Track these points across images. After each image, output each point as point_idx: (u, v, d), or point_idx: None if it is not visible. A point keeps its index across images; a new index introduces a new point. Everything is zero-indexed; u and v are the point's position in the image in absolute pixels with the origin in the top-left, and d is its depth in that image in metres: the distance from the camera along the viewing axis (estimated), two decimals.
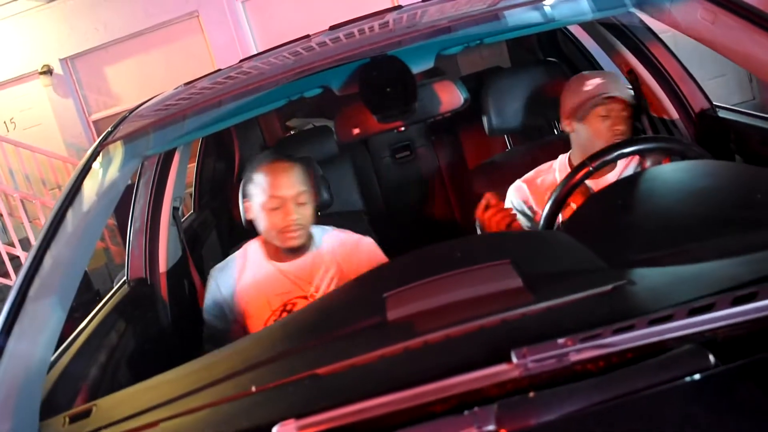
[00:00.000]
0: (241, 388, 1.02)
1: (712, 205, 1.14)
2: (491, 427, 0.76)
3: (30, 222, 6.04)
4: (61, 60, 7.26)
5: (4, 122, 7.32)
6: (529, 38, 3.14)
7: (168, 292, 2.10)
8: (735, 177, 1.21)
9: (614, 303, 0.94)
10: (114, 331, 1.81)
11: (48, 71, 7.24)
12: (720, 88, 1.98)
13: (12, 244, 5.88)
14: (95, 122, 7.38)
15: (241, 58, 2.01)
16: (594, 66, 2.74)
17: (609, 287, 0.96)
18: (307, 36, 1.78)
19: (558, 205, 1.52)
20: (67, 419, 1.15)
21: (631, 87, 2.07)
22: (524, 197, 2.00)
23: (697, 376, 0.76)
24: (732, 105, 1.94)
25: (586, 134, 1.92)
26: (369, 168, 3.28)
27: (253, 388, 0.99)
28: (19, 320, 1.28)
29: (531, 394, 0.79)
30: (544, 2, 1.47)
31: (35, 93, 7.31)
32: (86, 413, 1.15)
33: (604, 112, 1.91)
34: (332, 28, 1.74)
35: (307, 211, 1.89)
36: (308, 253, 1.98)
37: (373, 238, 2.13)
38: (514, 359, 0.83)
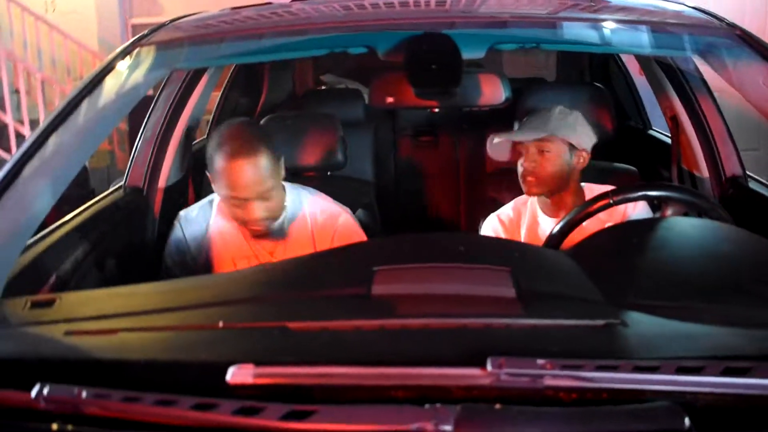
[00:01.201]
0: (209, 320, 1.00)
1: (725, 271, 1.11)
2: (448, 428, 0.73)
3: (45, 106, 6.00)
4: None
5: (45, 1, 7.24)
6: (581, 57, 3.09)
7: (161, 207, 2.07)
8: (754, 249, 1.18)
9: (603, 339, 0.91)
10: (97, 231, 1.78)
11: None
12: (749, 161, 1.95)
13: (22, 122, 5.85)
14: (134, 26, 7.30)
15: None
16: (636, 101, 2.70)
17: (602, 323, 0.93)
18: None
19: (570, 227, 1.49)
20: (29, 303, 1.13)
21: (669, 134, 2.03)
22: (495, 231, 1.95)
23: None
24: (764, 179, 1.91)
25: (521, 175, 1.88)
26: (389, 142, 3.24)
27: (221, 324, 0.96)
28: (7, 194, 1.26)
29: (497, 406, 0.76)
30: (608, 24, 1.43)
31: None
32: (49, 303, 1.12)
33: (519, 149, 1.87)
34: None
35: (274, 203, 1.73)
36: (279, 221, 1.82)
37: (375, 212, 2.10)
38: (489, 367, 0.80)
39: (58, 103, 5.02)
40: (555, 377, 0.80)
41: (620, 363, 0.80)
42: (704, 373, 0.79)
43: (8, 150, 5.77)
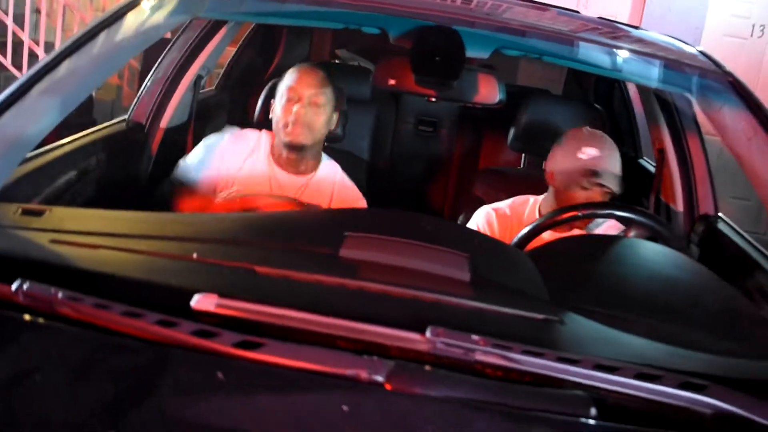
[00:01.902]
0: (184, 252, 1.08)
1: (665, 292, 1.19)
2: (380, 378, 0.81)
3: (63, 30, 6.02)
4: None
5: None
6: (589, 77, 3.17)
7: (159, 146, 2.14)
8: (697, 278, 1.26)
9: (537, 331, 1.00)
10: (95, 157, 1.85)
11: None
12: (739, 210, 2.02)
13: (37, 42, 5.88)
14: None
15: None
16: (632, 130, 2.78)
17: (541, 317, 1.02)
18: None
19: (536, 232, 1.57)
20: (20, 210, 1.20)
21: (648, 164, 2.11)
22: (489, 224, 2.02)
23: (572, 419, 0.82)
24: (743, 228, 1.97)
25: (562, 194, 1.88)
26: (389, 126, 3.31)
27: (195, 255, 1.04)
28: (15, 107, 1.32)
29: (427, 367, 0.85)
30: (608, 48, 1.50)
31: None
32: (39, 213, 1.20)
33: (587, 185, 1.84)
34: None
35: (319, 118, 1.95)
36: (308, 176, 2.03)
37: (363, 188, 2.18)
38: (428, 334, 0.88)
39: (77, 30, 5.04)
40: (485, 353, 0.88)
41: (546, 352, 0.89)
42: (618, 374, 0.87)
43: (20, 67, 5.79)
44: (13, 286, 0.91)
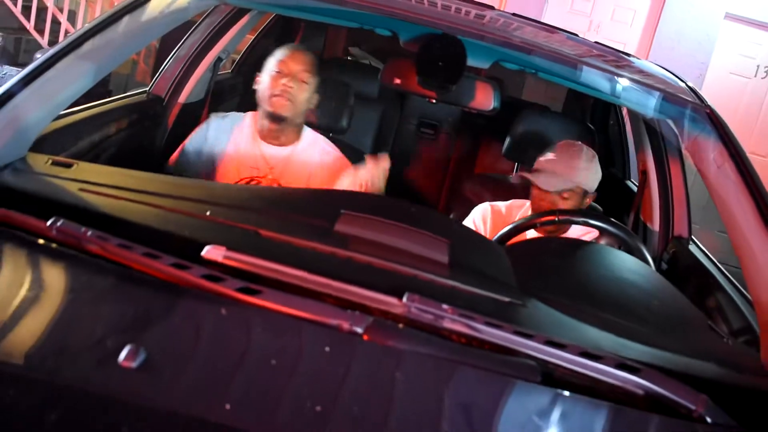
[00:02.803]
0: (198, 210, 1.21)
1: (622, 293, 1.33)
2: (359, 329, 0.95)
3: (86, 3, 6.16)
4: None
5: None
6: (586, 99, 3.31)
7: (175, 119, 2.28)
8: (654, 285, 1.41)
9: (501, 310, 1.13)
10: (116, 124, 1.99)
11: None
12: (724, 244, 2.15)
13: (61, 10, 6.01)
14: None
15: None
16: (623, 152, 2.92)
17: (506, 299, 1.16)
18: None
19: (516, 231, 1.71)
20: (50, 161, 1.34)
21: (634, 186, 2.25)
22: (484, 218, 2.17)
23: (520, 382, 0.96)
24: (727, 262, 2.10)
25: (537, 199, 2.06)
26: (393, 125, 3.45)
27: (208, 213, 1.18)
28: (56, 66, 1.45)
29: (400, 325, 0.98)
30: (606, 73, 1.64)
31: None
32: (68, 165, 1.33)
33: (541, 195, 2.04)
34: None
35: (303, 91, 2.08)
36: (291, 146, 2.16)
37: None
38: (405, 299, 1.02)
39: (99, 5, 5.15)
40: (452, 321, 1.02)
41: (504, 325, 1.02)
42: (565, 351, 1.01)
43: (41, 32, 5.92)
44: (48, 222, 1.04)
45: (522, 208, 2.19)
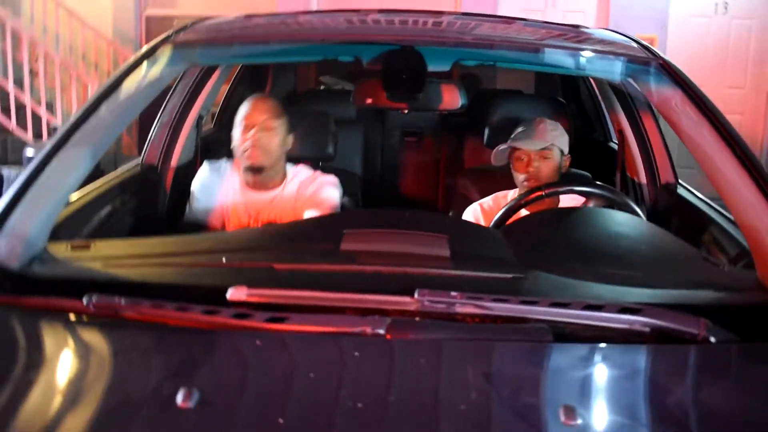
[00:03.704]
0: (214, 260, 1.32)
1: (613, 246, 1.43)
2: (381, 331, 1.04)
3: (61, 89, 6.31)
4: None
5: None
6: (553, 76, 3.42)
7: (171, 183, 2.39)
8: (643, 233, 1.50)
9: (507, 286, 1.23)
10: (119, 199, 2.10)
11: None
12: (687, 178, 2.27)
13: (39, 103, 6.15)
14: (148, 18, 7.61)
15: (302, 5, 2.28)
16: (600, 118, 3.01)
17: (509, 276, 1.25)
18: (357, 10, 2.04)
19: (509, 214, 1.81)
20: (70, 246, 1.44)
21: (616, 143, 2.34)
22: (476, 219, 2.27)
23: (536, 344, 1.05)
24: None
25: (518, 172, 2.22)
26: (377, 141, 3.56)
27: (224, 260, 1.28)
28: (54, 160, 1.55)
29: (417, 319, 1.08)
30: (549, 48, 1.73)
31: None
32: (86, 246, 1.44)
33: (520, 155, 2.20)
34: (381, 11, 2.01)
35: (273, 138, 2.18)
36: (276, 189, 2.25)
37: (359, 200, 2.41)
38: (416, 296, 1.12)
39: (74, 88, 5.27)
40: (463, 305, 1.11)
41: (510, 297, 1.12)
42: (570, 308, 1.10)
43: (24, 129, 6.06)
44: (84, 300, 1.14)
45: (507, 196, 2.29)
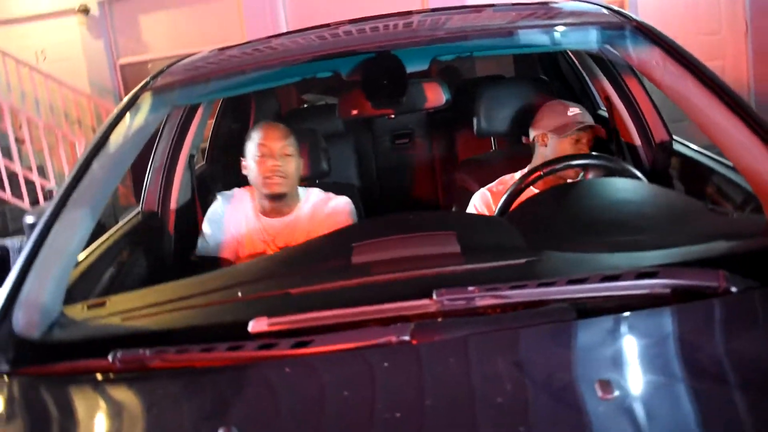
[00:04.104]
0: (230, 295, 1.32)
1: (624, 214, 1.43)
2: (406, 337, 1.05)
3: (49, 151, 6.33)
4: (98, 2, 7.53)
5: (36, 52, 7.59)
6: (529, 56, 3.42)
7: (174, 225, 2.39)
8: (646, 195, 1.51)
9: (522, 271, 1.23)
10: (125, 251, 2.10)
11: (85, 10, 7.50)
12: (679, 131, 2.28)
13: (30, 169, 6.17)
14: (122, 66, 7.64)
15: (270, 28, 2.29)
16: (585, 89, 3.02)
17: (523, 261, 1.26)
18: (328, 25, 2.05)
19: (511, 199, 1.81)
20: (86, 306, 1.45)
21: (606, 113, 2.35)
22: (486, 203, 2.27)
23: (560, 324, 1.06)
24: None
25: (555, 150, 2.18)
26: (369, 148, 3.56)
27: (239, 294, 1.28)
28: (56, 225, 1.56)
29: (439, 319, 1.08)
30: (519, 29, 1.74)
31: (69, 30, 7.58)
32: (101, 304, 1.44)
33: (578, 136, 2.19)
34: (351, 22, 2.01)
35: (291, 164, 2.21)
36: (292, 214, 2.27)
37: (360, 209, 2.41)
38: (435, 297, 1.12)
39: (62, 148, 5.29)
40: (482, 297, 1.12)
41: (527, 282, 1.12)
42: (588, 282, 1.11)
43: (20, 197, 6.08)
44: (109, 358, 1.15)
45: (514, 178, 2.29)
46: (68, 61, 7.53)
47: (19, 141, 6.36)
